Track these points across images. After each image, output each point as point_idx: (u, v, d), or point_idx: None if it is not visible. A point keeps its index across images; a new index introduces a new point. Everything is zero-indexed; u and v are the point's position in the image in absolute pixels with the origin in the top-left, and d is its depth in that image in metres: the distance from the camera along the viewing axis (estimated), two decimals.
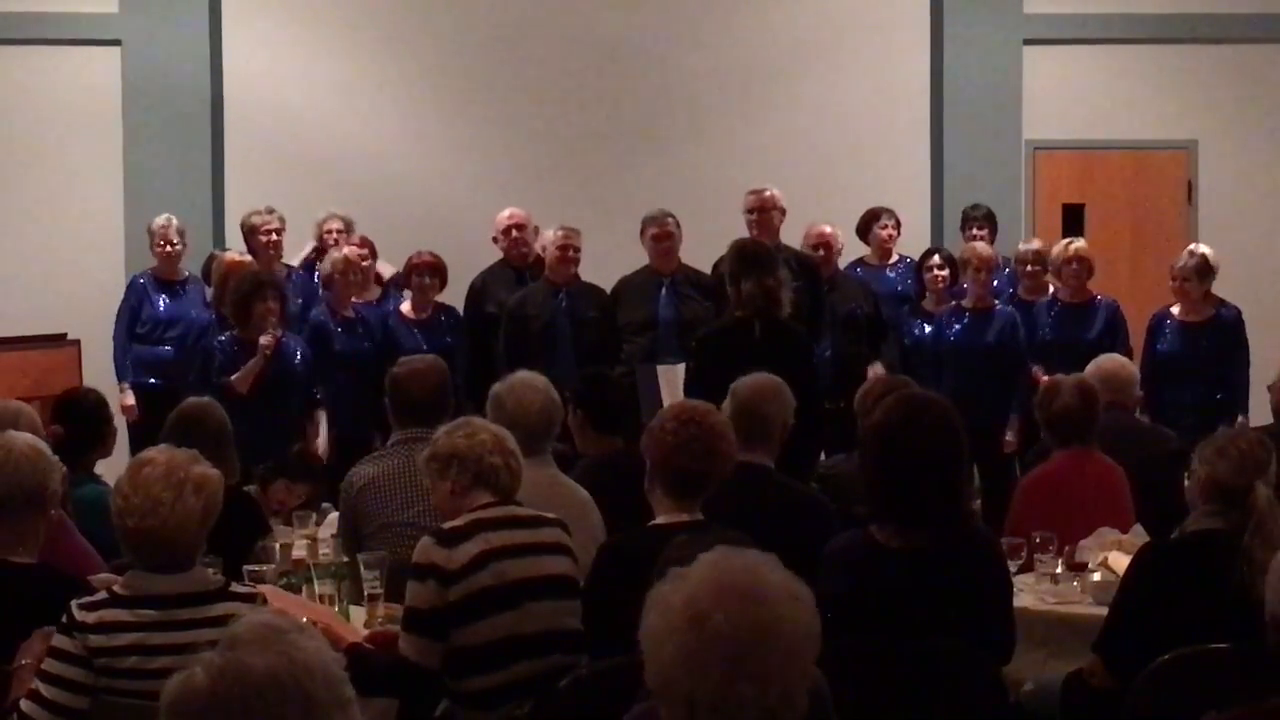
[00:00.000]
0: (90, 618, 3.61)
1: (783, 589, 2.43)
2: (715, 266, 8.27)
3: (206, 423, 5.67)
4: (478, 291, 8.77)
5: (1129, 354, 8.36)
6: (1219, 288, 8.67)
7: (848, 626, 3.70)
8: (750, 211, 8.53)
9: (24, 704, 3.57)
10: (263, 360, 7.67)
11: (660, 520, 4.41)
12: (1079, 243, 8.83)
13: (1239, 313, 8.52)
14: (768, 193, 8.54)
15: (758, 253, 7.21)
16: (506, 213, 8.89)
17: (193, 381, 7.89)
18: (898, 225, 9.44)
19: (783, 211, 8.54)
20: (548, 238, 8.61)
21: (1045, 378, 7.84)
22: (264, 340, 7.68)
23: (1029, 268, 8.93)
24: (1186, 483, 4.57)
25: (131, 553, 3.73)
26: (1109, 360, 6.94)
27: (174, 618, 3.62)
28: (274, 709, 2.11)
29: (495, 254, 8.93)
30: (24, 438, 4.28)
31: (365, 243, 9.00)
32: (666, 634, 2.40)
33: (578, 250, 8.47)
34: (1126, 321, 8.70)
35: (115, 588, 3.71)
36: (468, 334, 8.71)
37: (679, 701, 2.39)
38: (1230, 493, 4.33)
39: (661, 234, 8.37)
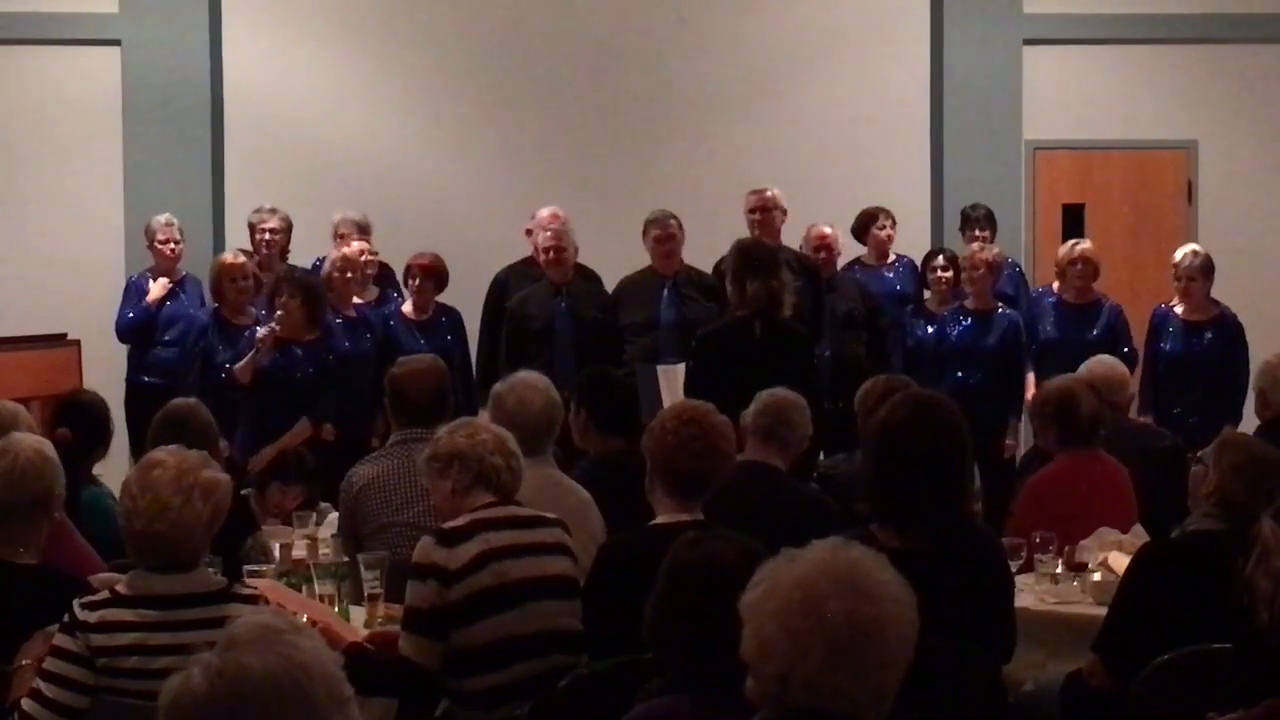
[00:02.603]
0: (92, 617, 3.62)
1: (893, 590, 2.51)
2: (717, 266, 8.28)
3: (191, 423, 5.66)
4: (501, 285, 8.76)
5: (1131, 356, 8.37)
6: (1221, 286, 8.68)
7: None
8: (752, 211, 8.53)
9: (25, 703, 3.57)
10: (262, 352, 7.66)
11: (661, 520, 4.42)
12: (1084, 244, 8.83)
13: (1236, 315, 8.56)
14: (769, 192, 8.55)
15: (761, 253, 7.21)
16: (546, 212, 8.87)
17: (191, 382, 7.91)
18: (895, 225, 9.44)
19: (784, 211, 8.56)
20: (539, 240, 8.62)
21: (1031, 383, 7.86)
22: (261, 332, 7.70)
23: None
24: (1193, 472, 4.56)
25: (136, 554, 3.73)
26: (1100, 362, 6.95)
27: (176, 618, 3.62)
28: (272, 710, 2.11)
29: (497, 252, 8.94)
30: (29, 442, 4.28)
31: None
32: (774, 610, 2.46)
33: (564, 250, 8.43)
34: (1129, 324, 8.70)
35: (118, 587, 3.71)
36: (485, 327, 8.70)
37: (772, 677, 2.45)
38: (1236, 509, 4.33)
39: (663, 235, 8.36)
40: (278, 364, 7.71)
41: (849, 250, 9.37)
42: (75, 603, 3.68)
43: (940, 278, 8.92)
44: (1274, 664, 4.01)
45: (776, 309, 7.00)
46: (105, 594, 3.70)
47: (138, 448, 8.59)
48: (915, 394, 4.52)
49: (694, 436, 4.42)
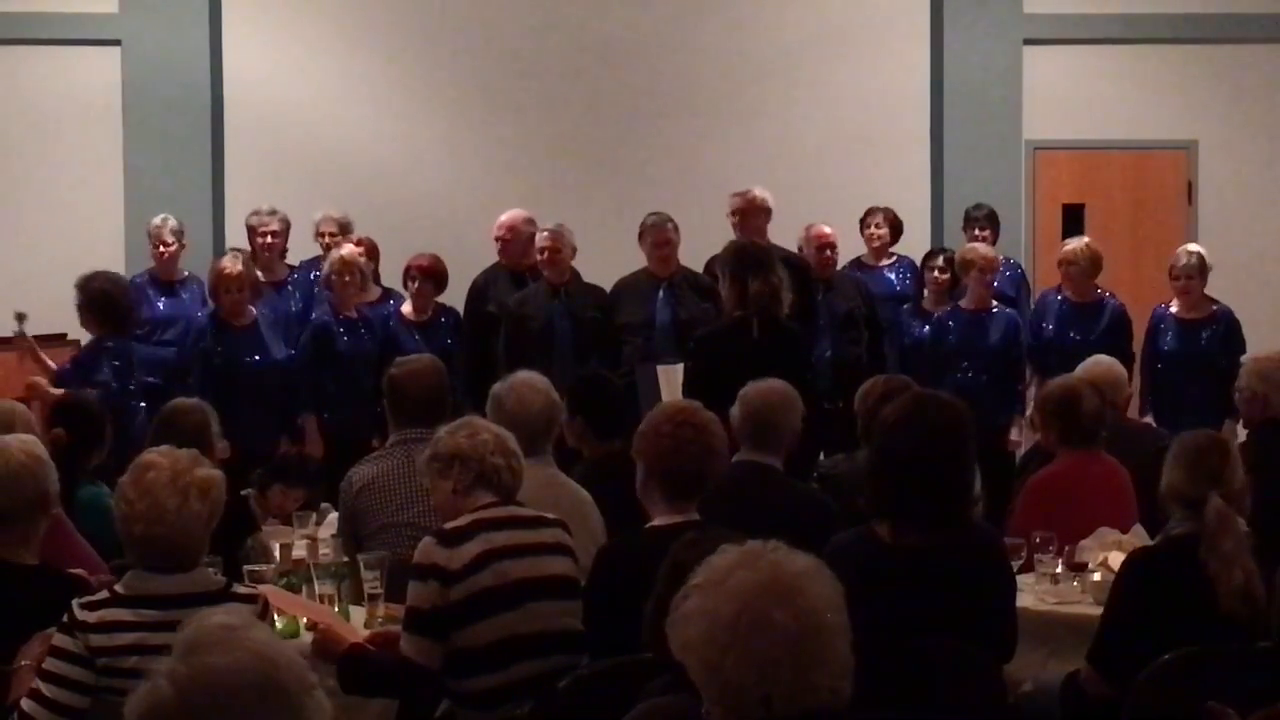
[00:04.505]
0: (91, 617, 3.62)
1: (809, 569, 2.50)
2: (708, 267, 8.29)
3: (179, 422, 5.62)
4: (479, 290, 8.77)
5: (1131, 356, 8.37)
6: (1221, 286, 8.69)
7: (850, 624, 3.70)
8: (733, 214, 8.48)
9: (25, 703, 3.58)
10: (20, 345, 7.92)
11: (658, 522, 4.40)
12: (1073, 244, 8.83)
13: (1232, 312, 8.58)
14: (752, 195, 8.47)
15: (756, 251, 7.21)
16: (502, 218, 8.88)
17: (192, 383, 7.92)
18: (890, 224, 9.43)
19: (769, 213, 8.50)
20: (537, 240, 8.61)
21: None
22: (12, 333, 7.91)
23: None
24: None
25: (137, 556, 3.74)
26: (1098, 362, 6.94)
27: (175, 618, 3.59)
28: (251, 705, 2.10)
29: (495, 254, 8.93)
30: (18, 445, 4.26)
31: (363, 242, 8.96)
32: (726, 644, 2.44)
33: (559, 251, 8.41)
34: (1131, 323, 8.70)
35: (117, 587, 3.72)
36: (467, 333, 8.71)
37: (753, 702, 2.44)
38: (1190, 501, 4.38)
39: (660, 240, 8.33)
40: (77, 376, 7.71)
41: (849, 250, 9.37)
42: (75, 603, 3.68)
43: (938, 279, 8.92)
44: (1266, 664, 4.01)
45: (777, 306, 7.01)
46: (104, 594, 3.71)
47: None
48: (919, 394, 4.54)
49: (691, 439, 4.41)
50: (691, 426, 4.44)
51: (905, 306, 9.03)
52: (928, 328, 8.73)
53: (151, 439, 5.32)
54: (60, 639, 3.63)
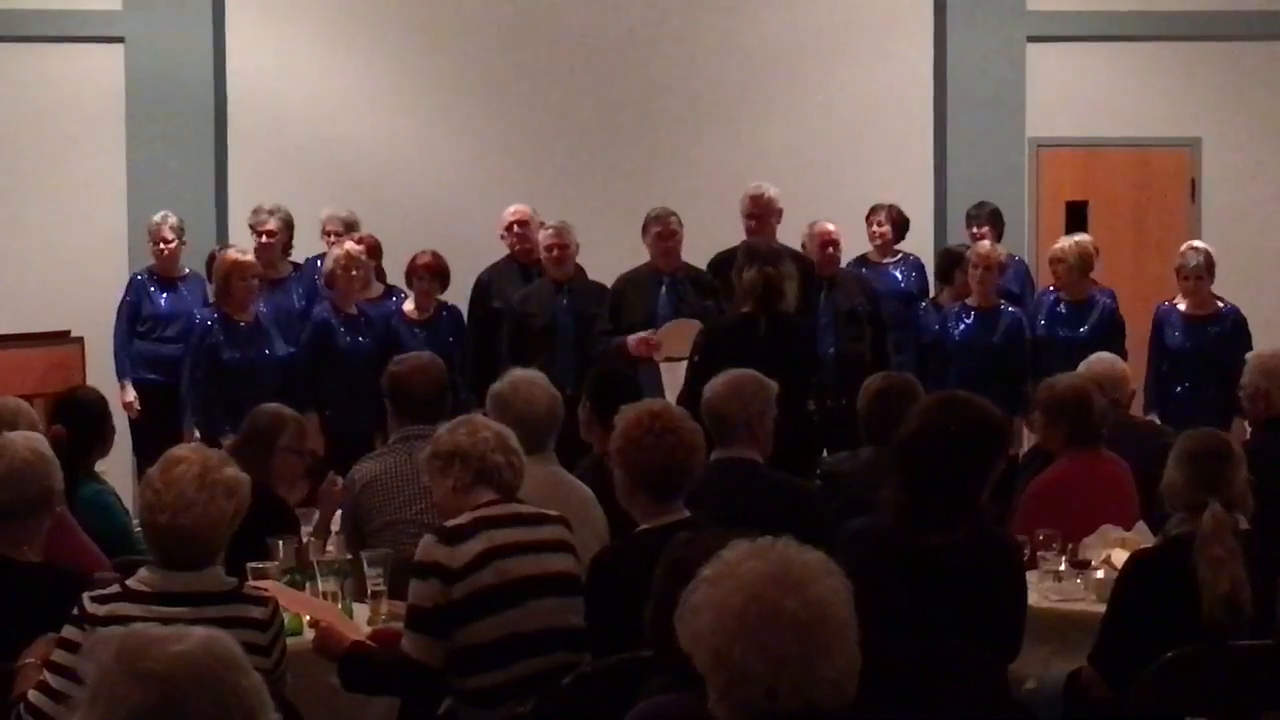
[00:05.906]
0: (101, 611, 3.63)
1: (819, 562, 2.51)
2: (709, 265, 8.29)
3: (255, 421, 5.57)
4: (484, 286, 8.77)
5: (1123, 353, 8.36)
6: (1224, 283, 8.69)
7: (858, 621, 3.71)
8: (744, 213, 8.46)
9: (31, 694, 3.59)
10: None
11: (649, 525, 4.37)
12: (1061, 242, 8.81)
13: (1238, 309, 8.57)
14: (762, 193, 8.44)
15: (762, 245, 7.24)
16: (511, 209, 8.91)
17: (198, 379, 7.95)
18: (893, 222, 9.41)
19: (780, 212, 8.50)
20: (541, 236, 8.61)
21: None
22: None
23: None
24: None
25: (156, 548, 3.75)
26: (1100, 359, 6.93)
27: (186, 615, 3.61)
28: (219, 677, 2.16)
29: (498, 251, 8.93)
30: (23, 441, 4.27)
31: (365, 240, 8.95)
32: (735, 633, 2.45)
33: (565, 248, 8.42)
34: (1124, 321, 8.68)
35: (129, 582, 3.73)
36: (472, 329, 8.71)
37: (758, 695, 2.44)
38: (1188, 505, 4.38)
39: (665, 232, 8.33)
40: None
41: (854, 247, 9.36)
42: (85, 595, 3.71)
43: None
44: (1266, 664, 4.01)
45: (776, 298, 7.01)
46: (115, 588, 3.73)
47: (139, 444, 8.62)
48: (946, 394, 4.56)
49: (676, 443, 4.38)
50: (673, 433, 4.41)
51: (923, 305, 8.99)
52: (937, 325, 8.70)
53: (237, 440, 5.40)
54: (69, 631, 3.65)
